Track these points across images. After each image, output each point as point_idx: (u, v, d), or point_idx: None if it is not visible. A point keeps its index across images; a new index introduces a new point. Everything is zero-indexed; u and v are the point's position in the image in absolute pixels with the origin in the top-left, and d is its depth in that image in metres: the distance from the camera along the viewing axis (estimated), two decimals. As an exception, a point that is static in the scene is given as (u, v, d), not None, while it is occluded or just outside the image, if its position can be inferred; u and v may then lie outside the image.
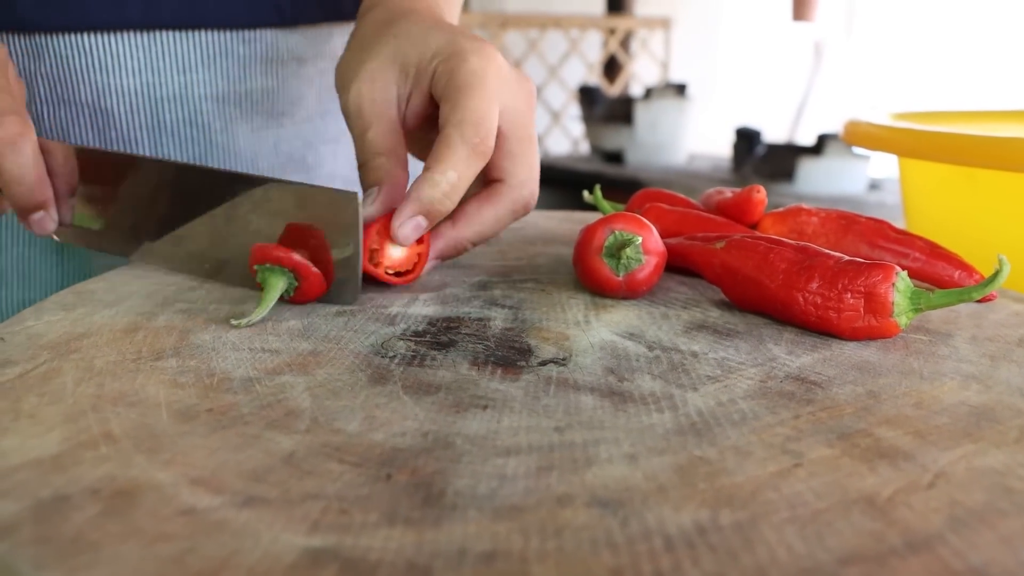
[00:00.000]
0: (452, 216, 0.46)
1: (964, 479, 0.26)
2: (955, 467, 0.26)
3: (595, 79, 3.54)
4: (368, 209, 0.44)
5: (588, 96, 2.85)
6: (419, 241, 0.45)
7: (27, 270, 0.62)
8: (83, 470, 0.26)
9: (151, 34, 0.58)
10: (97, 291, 0.45)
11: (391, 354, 0.36)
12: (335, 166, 0.71)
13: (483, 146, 0.43)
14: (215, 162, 0.63)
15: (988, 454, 0.27)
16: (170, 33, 0.58)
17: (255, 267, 0.41)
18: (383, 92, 0.46)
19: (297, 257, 0.40)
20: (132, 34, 0.57)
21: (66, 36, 0.56)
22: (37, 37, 0.56)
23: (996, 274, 0.36)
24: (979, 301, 0.43)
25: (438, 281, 0.47)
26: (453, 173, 0.42)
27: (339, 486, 0.25)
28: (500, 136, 0.45)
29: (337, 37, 0.68)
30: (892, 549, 0.22)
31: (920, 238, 0.46)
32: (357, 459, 0.26)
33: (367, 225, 0.44)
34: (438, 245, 0.46)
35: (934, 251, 0.45)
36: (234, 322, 0.38)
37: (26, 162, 0.45)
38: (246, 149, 0.64)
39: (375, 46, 0.47)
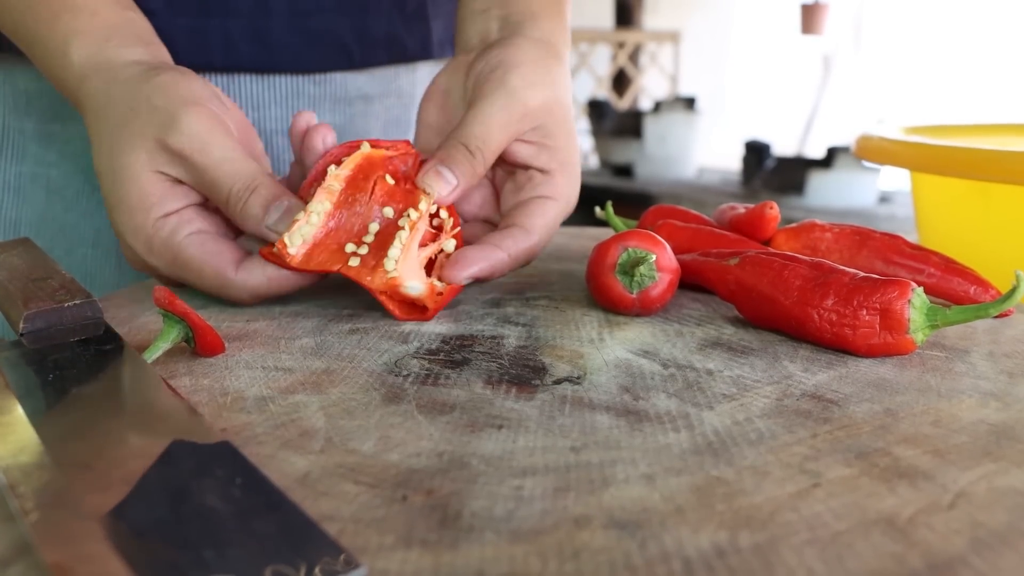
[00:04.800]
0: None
1: (985, 499, 0.25)
2: (976, 487, 0.26)
3: (604, 93, 3.55)
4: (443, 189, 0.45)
5: (597, 110, 2.85)
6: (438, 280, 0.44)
7: (90, 271, 0.64)
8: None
9: (230, 76, 0.62)
10: (109, 308, 0.45)
11: (405, 373, 0.36)
12: None
13: (538, 252, 0.47)
14: None
15: (1009, 473, 0.27)
16: (247, 76, 0.63)
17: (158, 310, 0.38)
18: (523, 117, 0.47)
19: (190, 309, 0.37)
20: (213, 75, 0.61)
21: None
22: None
23: (1013, 290, 0.36)
24: (996, 317, 0.43)
25: (451, 298, 0.47)
26: (512, 265, 0.45)
27: (355, 508, 0.25)
28: None
29: (403, 76, 0.71)
30: (914, 571, 0.22)
31: (935, 253, 0.45)
32: (372, 480, 0.26)
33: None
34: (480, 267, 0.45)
35: (949, 267, 0.45)
36: None
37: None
38: None
39: (540, 88, 0.48)
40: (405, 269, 0.42)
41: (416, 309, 0.43)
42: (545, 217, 0.47)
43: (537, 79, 0.47)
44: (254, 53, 0.62)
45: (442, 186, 0.45)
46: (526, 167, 0.48)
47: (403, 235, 0.42)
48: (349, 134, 0.68)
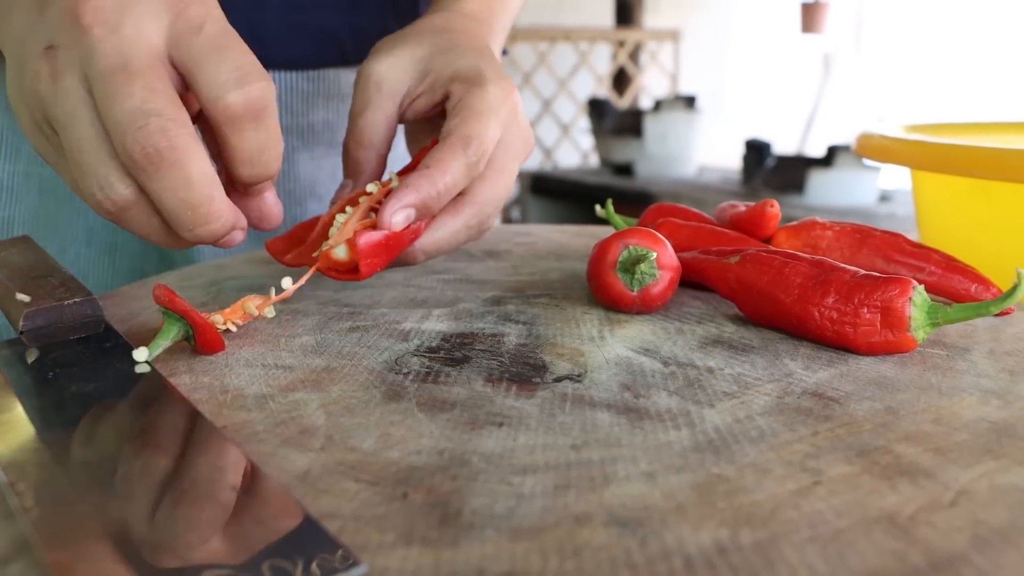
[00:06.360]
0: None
1: (987, 497, 0.25)
2: (977, 485, 0.26)
3: (604, 91, 3.55)
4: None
5: (597, 109, 2.85)
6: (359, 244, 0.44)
7: (84, 270, 0.64)
8: (98, 489, 0.25)
9: None
10: (108, 306, 0.45)
11: (405, 370, 0.36)
12: None
13: (477, 165, 0.45)
14: (276, 186, 0.65)
15: (1010, 471, 0.27)
16: None
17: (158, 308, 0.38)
18: (393, 83, 0.48)
19: (190, 307, 0.36)
20: None
21: None
22: None
23: (1014, 288, 0.36)
24: (997, 315, 0.42)
25: (451, 296, 0.47)
26: (450, 177, 0.44)
27: (355, 505, 0.25)
28: None
29: None
30: (915, 569, 0.22)
31: (936, 251, 0.45)
32: (373, 477, 0.26)
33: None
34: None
35: (950, 265, 0.44)
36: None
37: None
38: (305, 175, 0.68)
39: (411, 42, 0.50)
40: (337, 242, 0.44)
41: (353, 271, 0.43)
42: (464, 115, 0.46)
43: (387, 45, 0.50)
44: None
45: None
46: (436, 107, 0.49)
47: (341, 217, 0.46)
48: (341, 130, 0.68)
